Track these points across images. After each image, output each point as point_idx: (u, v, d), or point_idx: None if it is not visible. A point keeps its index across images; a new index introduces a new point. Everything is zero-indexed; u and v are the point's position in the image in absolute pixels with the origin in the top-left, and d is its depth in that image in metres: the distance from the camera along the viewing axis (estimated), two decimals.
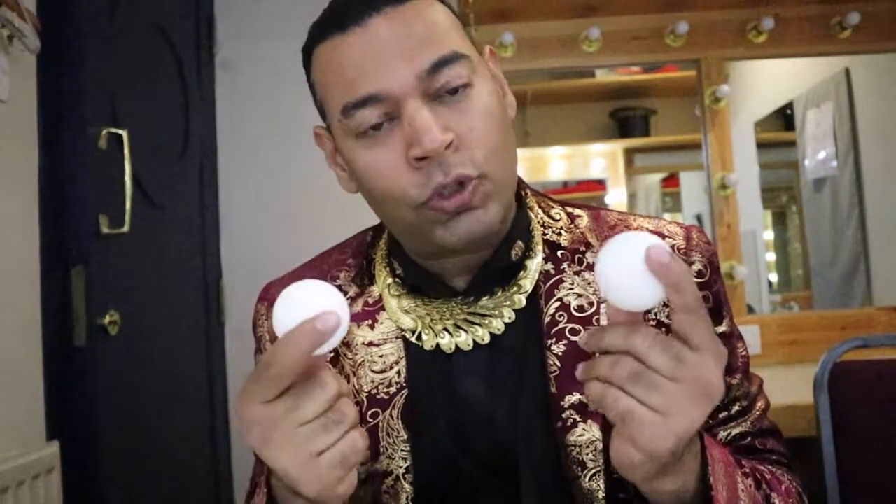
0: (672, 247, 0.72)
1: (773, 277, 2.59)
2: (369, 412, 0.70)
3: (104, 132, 1.45)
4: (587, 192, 2.64)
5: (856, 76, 2.29)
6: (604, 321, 0.69)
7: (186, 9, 1.98)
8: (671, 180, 2.66)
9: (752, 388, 0.77)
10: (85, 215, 1.41)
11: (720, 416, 0.75)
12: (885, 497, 1.06)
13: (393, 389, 0.71)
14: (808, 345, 2.07)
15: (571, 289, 0.71)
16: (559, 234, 0.74)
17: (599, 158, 2.64)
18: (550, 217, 0.76)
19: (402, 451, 0.69)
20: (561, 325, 0.70)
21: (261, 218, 2.09)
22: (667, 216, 2.61)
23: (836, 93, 2.32)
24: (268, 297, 0.80)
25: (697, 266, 0.73)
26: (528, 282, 0.72)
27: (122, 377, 1.50)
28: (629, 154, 2.61)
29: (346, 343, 0.72)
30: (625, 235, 0.52)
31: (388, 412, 0.70)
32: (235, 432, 2.02)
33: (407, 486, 0.69)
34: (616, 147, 2.59)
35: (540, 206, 0.77)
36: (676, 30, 2.10)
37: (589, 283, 0.71)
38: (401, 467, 0.69)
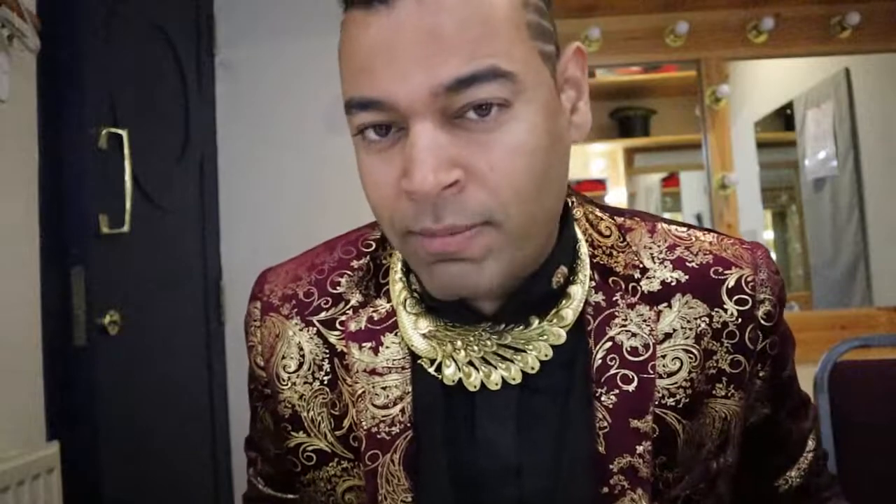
0: (739, 279, 0.62)
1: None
2: (368, 453, 0.60)
3: (104, 132, 1.46)
4: (587, 193, 2.64)
5: (856, 76, 2.29)
6: (660, 367, 0.59)
7: (186, 9, 1.98)
8: (671, 180, 2.66)
9: (808, 423, 0.73)
10: (85, 215, 1.41)
11: (778, 463, 0.71)
12: (885, 497, 1.06)
13: (396, 430, 0.60)
14: (808, 345, 2.05)
15: (625, 325, 0.60)
16: (610, 255, 0.63)
17: (599, 158, 2.64)
18: (599, 233, 0.64)
19: (403, 501, 0.59)
20: (612, 371, 0.59)
21: (261, 218, 2.09)
22: (667, 216, 2.61)
23: (836, 93, 2.32)
24: (262, 296, 0.69)
25: (767, 307, 0.62)
26: (570, 312, 0.60)
27: (122, 377, 1.50)
28: (629, 154, 2.61)
29: (345, 366, 0.62)
30: None
31: (388, 456, 0.60)
32: (235, 432, 2.02)
33: None
34: (616, 147, 2.60)
35: (588, 220, 0.64)
36: (676, 30, 2.10)
37: (645, 320, 0.60)
38: None
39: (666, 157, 2.67)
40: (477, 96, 0.49)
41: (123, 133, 1.49)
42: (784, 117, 2.51)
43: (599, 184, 2.65)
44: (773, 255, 2.57)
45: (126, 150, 1.49)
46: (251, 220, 2.09)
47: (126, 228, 1.47)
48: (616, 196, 2.60)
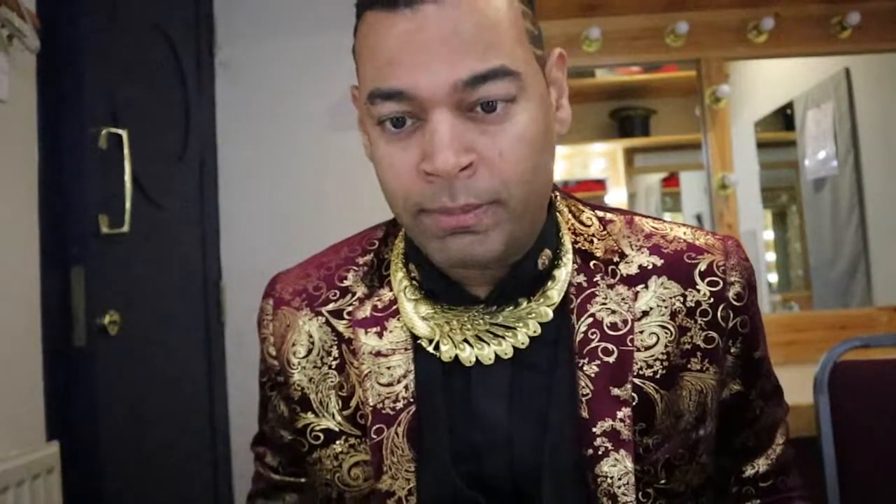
0: (710, 263, 0.69)
1: (773, 277, 2.59)
2: (374, 427, 0.66)
3: (104, 132, 1.46)
4: (587, 192, 2.64)
5: (856, 76, 2.28)
6: (638, 341, 0.65)
7: (186, 9, 1.98)
8: (671, 180, 2.66)
9: (780, 412, 0.77)
10: (85, 215, 1.41)
11: (749, 444, 0.75)
12: (885, 497, 1.06)
13: (400, 405, 0.66)
14: (808, 345, 2.06)
15: (605, 304, 0.66)
16: (591, 241, 0.69)
17: (599, 158, 2.64)
18: (581, 223, 0.71)
19: (407, 471, 0.65)
20: (594, 344, 0.65)
21: (261, 218, 2.09)
22: (667, 216, 2.61)
23: (836, 93, 2.32)
24: (274, 293, 0.75)
25: (736, 288, 0.68)
26: (555, 293, 0.67)
27: (122, 377, 1.50)
28: (629, 154, 2.61)
29: (352, 351, 0.68)
30: None
31: (393, 429, 0.65)
32: (235, 432, 2.02)
33: None
34: (616, 147, 2.59)
35: (570, 211, 0.72)
36: (676, 30, 2.10)
37: (623, 299, 0.66)
38: (404, 489, 0.65)
39: (666, 157, 2.67)
40: (489, 92, 0.57)
41: (123, 133, 1.49)
42: (784, 117, 2.51)
43: (599, 184, 2.65)
44: (773, 256, 2.58)
45: (126, 150, 1.49)
46: (251, 220, 2.09)
47: (126, 228, 1.47)
48: (616, 196, 2.60)
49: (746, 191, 2.25)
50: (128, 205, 1.48)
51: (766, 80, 2.49)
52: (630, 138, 2.57)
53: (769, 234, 2.59)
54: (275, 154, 2.10)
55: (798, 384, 1.49)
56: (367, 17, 0.60)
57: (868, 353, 1.14)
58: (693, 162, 2.33)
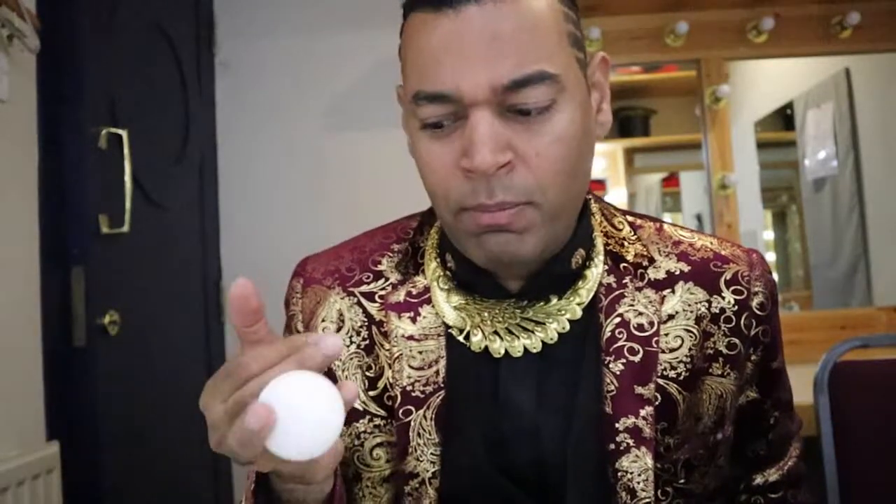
0: (736, 273, 0.71)
1: (774, 277, 2.59)
2: (402, 409, 0.67)
3: (104, 132, 1.46)
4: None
5: (856, 76, 2.28)
6: (663, 343, 0.67)
7: (186, 9, 1.98)
8: (671, 180, 2.66)
9: (793, 426, 0.77)
10: (85, 215, 1.41)
11: (761, 452, 0.75)
12: (885, 497, 1.06)
13: (430, 389, 0.67)
14: (808, 345, 2.05)
15: (632, 305, 0.68)
16: (622, 245, 0.71)
17: (599, 158, 2.64)
18: (613, 226, 0.73)
19: (432, 454, 0.66)
20: (620, 343, 0.67)
21: (261, 218, 2.09)
22: (667, 216, 2.61)
23: (836, 93, 2.32)
24: (304, 273, 0.75)
25: (760, 298, 0.71)
26: (586, 292, 0.68)
27: (122, 377, 1.50)
28: (629, 154, 2.61)
29: (384, 333, 0.69)
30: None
31: (421, 412, 0.67)
32: None
33: (431, 492, 0.66)
34: (616, 147, 2.59)
35: (602, 214, 0.73)
36: (676, 30, 2.10)
37: (650, 302, 0.68)
38: (428, 471, 0.66)
39: (666, 157, 2.67)
40: (528, 97, 0.58)
41: (123, 133, 1.49)
42: (784, 117, 2.51)
43: (599, 184, 2.64)
44: (773, 255, 2.58)
45: (126, 150, 1.49)
46: (251, 220, 2.09)
47: (126, 228, 1.47)
48: (616, 196, 2.60)
49: (746, 191, 2.25)
50: (128, 205, 1.48)
51: (766, 80, 2.49)
52: (630, 138, 2.57)
53: (769, 234, 2.58)
54: (275, 154, 2.10)
55: (798, 384, 1.49)
56: (412, 19, 0.62)
57: (868, 353, 1.14)
58: (693, 162, 2.33)
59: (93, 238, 1.42)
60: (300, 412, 0.46)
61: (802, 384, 1.23)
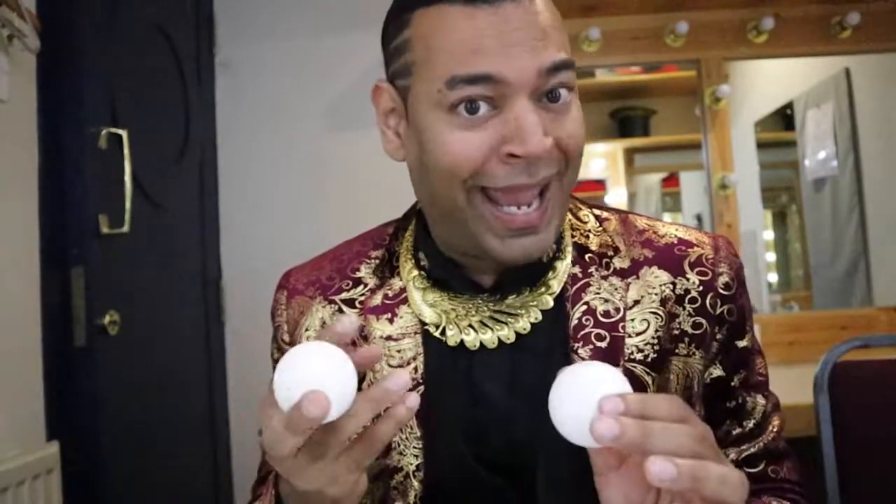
0: (700, 256, 0.73)
1: (773, 277, 2.59)
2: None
3: (104, 132, 1.46)
4: (587, 192, 2.64)
5: (856, 76, 2.28)
6: (629, 328, 0.69)
7: (186, 9, 1.98)
8: (671, 180, 2.66)
9: (768, 405, 0.77)
10: (85, 215, 1.41)
11: (734, 432, 0.75)
12: (885, 497, 1.06)
13: (409, 386, 0.69)
14: (808, 345, 2.06)
15: (598, 293, 0.71)
16: (587, 236, 0.74)
17: (599, 158, 2.64)
18: (578, 219, 0.76)
19: (415, 448, 0.69)
20: (587, 330, 0.69)
21: (261, 218, 2.09)
22: (667, 216, 2.61)
23: (836, 93, 2.32)
24: (287, 285, 0.79)
25: (724, 279, 0.73)
26: (556, 283, 0.71)
27: (122, 377, 1.50)
28: (629, 154, 2.61)
29: (363, 336, 0.72)
30: (578, 370, 0.52)
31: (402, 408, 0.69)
32: (235, 431, 2.02)
33: (416, 484, 0.68)
34: (616, 147, 2.59)
35: (568, 208, 0.76)
36: (676, 30, 2.10)
37: (616, 289, 0.71)
38: (411, 464, 0.69)
39: (666, 157, 2.67)
40: (561, 81, 0.63)
41: (123, 133, 1.49)
42: (784, 117, 2.51)
43: (599, 184, 2.64)
44: (773, 256, 2.58)
45: (126, 150, 1.49)
46: (251, 220, 2.09)
47: (126, 228, 1.47)
48: (616, 196, 2.60)
49: (746, 191, 2.25)
50: (128, 205, 1.48)
51: (766, 80, 2.49)
52: (630, 138, 2.57)
53: (769, 234, 2.58)
54: (275, 154, 2.10)
55: (798, 384, 1.49)
56: (442, 11, 0.63)
57: (868, 353, 1.14)
58: (693, 162, 2.33)
59: (93, 238, 1.42)
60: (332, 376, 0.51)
61: (802, 384, 1.23)
